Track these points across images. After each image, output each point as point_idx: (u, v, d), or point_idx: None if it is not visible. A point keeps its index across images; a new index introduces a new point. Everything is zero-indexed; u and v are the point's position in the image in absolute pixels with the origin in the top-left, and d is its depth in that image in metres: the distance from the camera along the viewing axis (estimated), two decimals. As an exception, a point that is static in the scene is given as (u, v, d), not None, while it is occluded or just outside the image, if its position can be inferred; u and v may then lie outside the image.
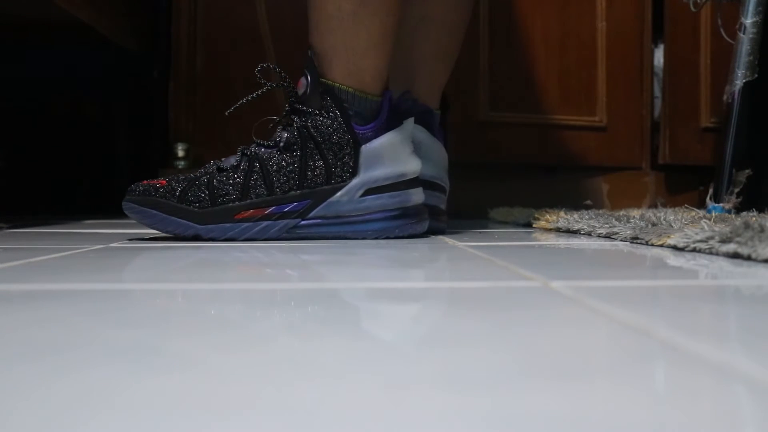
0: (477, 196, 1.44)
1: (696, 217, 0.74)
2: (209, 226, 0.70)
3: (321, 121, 0.72)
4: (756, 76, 0.99)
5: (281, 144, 0.72)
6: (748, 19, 1.00)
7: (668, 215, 0.77)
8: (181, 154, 1.43)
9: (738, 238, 0.51)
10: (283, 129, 0.73)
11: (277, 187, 0.71)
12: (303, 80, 0.73)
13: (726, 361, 0.23)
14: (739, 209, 0.95)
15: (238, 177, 0.71)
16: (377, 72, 0.74)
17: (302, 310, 0.33)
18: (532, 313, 0.32)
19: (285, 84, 0.74)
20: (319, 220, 0.72)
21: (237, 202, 0.70)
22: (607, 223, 0.75)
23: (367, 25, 0.72)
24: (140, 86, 1.61)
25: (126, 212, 0.71)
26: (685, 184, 1.59)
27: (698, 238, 0.56)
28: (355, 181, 0.72)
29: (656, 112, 1.58)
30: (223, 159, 0.73)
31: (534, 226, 0.96)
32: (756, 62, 1.00)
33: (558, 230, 0.86)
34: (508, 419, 0.17)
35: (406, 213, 0.75)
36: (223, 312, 0.33)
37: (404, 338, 0.27)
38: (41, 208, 1.57)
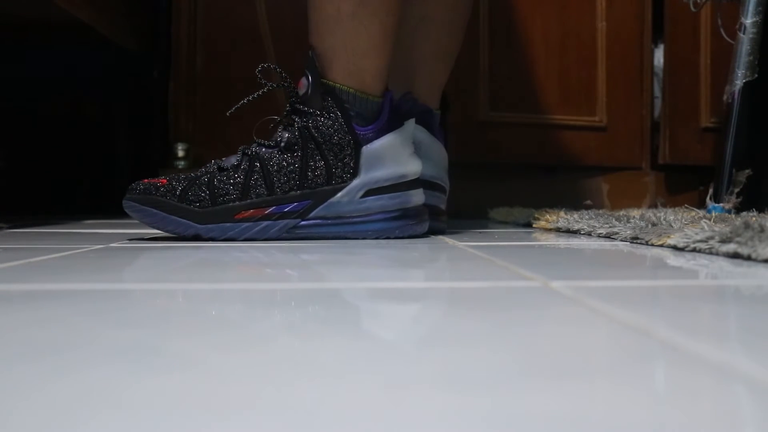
0: (477, 196, 1.44)
1: (696, 217, 0.74)
2: (209, 226, 0.70)
3: (322, 122, 0.72)
4: (756, 76, 0.99)
5: (282, 144, 0.72)
6: (748, 19, 1.00)
7: (668, 215, 0.77)
8: (181, 154, 1.43)
9: (738, 238, 0.51)
10: (284, 129, 0.73)
11: (278, 187, 0.71)
12: (304, 80, 0.73)
13: (726, 361, 0.23)
14: (739, 209, 0.95)
15: (239, 177, 0.71)
16: (378, 72, 0.74)
17: (302, 310, 0.33)
18: (532, 313, 0.32)
19: (286, 84, 0.74)
20: (319, 221, 0.72)
21: (237, 202, 0.70)
22: (607, 223, 0.75)
23: (366, 25, 0.72)
24: (140, 86, 1.61)
25: (126, 211, 0.70)
26: (685, 184, 1.59)
27: (698, 238, 0.56)
28: (355, 182, 0.72)
29: (656, 112, 1.58)
30: (223, 158, 0.73)
31: (534, 226, 0.96)
32: (756, 62, 1.00)
33: (558, 230, 0.86)
34: (508, 419, 0.17)
35: (406, 214, 0.75)
36: (223, 312, 0.33)
37: (404, 338, 0.27)
38: (41, 208, 1.57)
